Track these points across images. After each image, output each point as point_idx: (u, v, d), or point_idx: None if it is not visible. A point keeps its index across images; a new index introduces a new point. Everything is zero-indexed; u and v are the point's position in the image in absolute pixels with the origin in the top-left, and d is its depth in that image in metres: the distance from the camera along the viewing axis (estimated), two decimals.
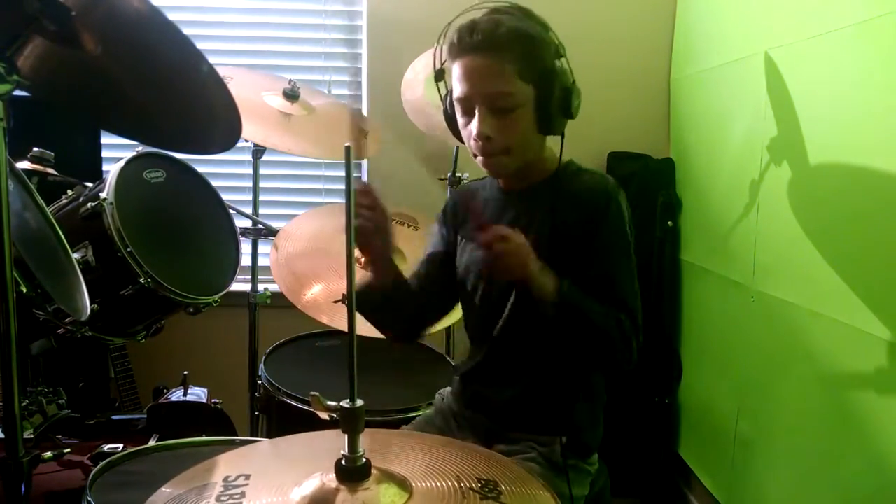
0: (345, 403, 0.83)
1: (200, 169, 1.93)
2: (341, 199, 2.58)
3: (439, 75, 1.33)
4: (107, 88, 1.21)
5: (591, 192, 1.28)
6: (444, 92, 1.34)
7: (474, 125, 1.24)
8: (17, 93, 1.03)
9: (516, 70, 1.22)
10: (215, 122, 1.29)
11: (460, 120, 1.29)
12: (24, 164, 1.82)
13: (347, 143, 0.82)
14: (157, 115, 1.26)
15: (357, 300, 0.86)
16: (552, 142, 1.33)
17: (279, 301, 1.98)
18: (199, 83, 1.20)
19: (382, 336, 1.49)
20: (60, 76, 1.20)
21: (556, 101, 1.24)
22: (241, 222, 2.03)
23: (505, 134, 1.24)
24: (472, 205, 1.32)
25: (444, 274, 1.45)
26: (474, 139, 1.26)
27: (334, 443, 0.85)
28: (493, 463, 0.93)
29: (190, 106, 1.26)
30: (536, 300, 1.18)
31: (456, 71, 1.25)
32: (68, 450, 1.27)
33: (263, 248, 2.17)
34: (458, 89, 1.26)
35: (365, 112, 2.53)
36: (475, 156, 1.29)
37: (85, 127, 2.34)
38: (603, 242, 1.26)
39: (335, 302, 1.80)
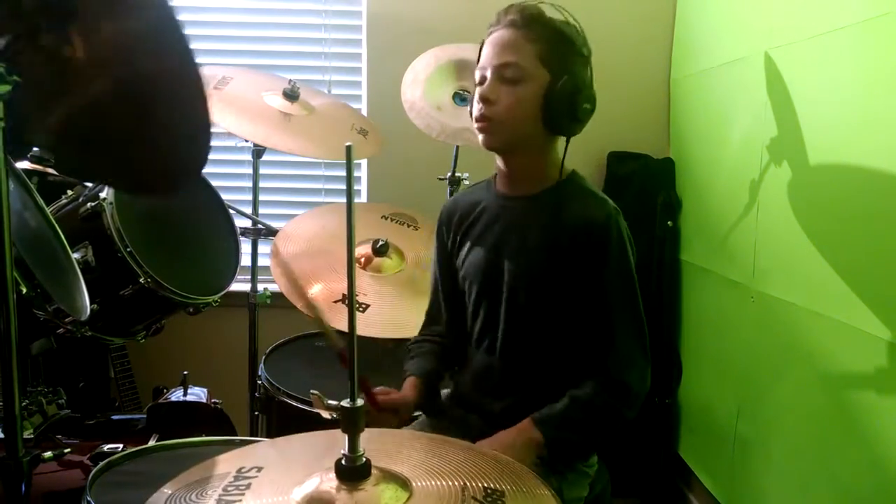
0: (345, 403, 0.83)
1: None
2: (341, 199, 2.58)
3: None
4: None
5: (591, 224, 1.29)
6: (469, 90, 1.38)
7: (481, 89, 1.29)
8: None
9: (536, 50, 1.26)
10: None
11: (476, 91, 1.32)
12: (24, 164, 1.82)
13: (348, 143, 0.82)
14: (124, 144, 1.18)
15: None
16: (560, 151, 1.34)
17: (279, 301, 1.98)
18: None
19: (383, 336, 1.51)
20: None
21: (565, 96, 1.26)
22: (241, 222, 2.03)
23: (505, 102, 1.27)
24: None
25: (460, 300, 1.47)
26: (476, 101, 1.29)
27: (335, 442, 0.85)
28: (501, 468, 0.91)
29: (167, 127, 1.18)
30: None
31: (485, 47, 1.31)
32: (68, 450, 1.27)
33: (263, 248, 2.17)
34: (479, 61, 1.31)
35: (365, 112, 2.53)
36: (474, 122, 1.31)
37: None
38: (605, 284, 1.28)
39: (335, 302, 1.80)
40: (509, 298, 1.33)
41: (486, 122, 1.29)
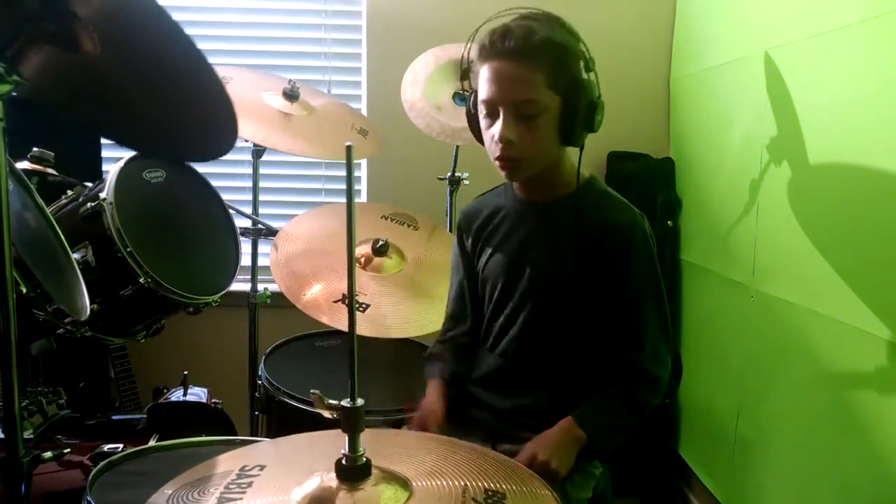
0: (345, 403, 0.83)
1: (200, 169, 1.93)
2: (341, 199, 2.58)
3: (465, 74, 1.35)
4: (107, 95, 1.20)
5: (617, 226, 1.30)
6: (468, 90, 1.36)
7: (497, 128, 1.25)
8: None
9: (545, 79, 1.22)
10: (214, 127, 1.27)
11: (483, 122, 1.29)
12: (24, 164, 1.82)
13: (349, 143, 0.82)
14: (157, 122, 1.25)
15: None
16: (573, 154, 1.35)
17: (279, 301, 1.98)
18: (199, 86, 1.19)
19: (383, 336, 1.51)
20: (61, 84, 1.20)
21: (580, 114, 1.25)
22: (241, 222, 2.03)
23: (527, 139, 1.25)
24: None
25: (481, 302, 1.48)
26: (496, 142, 1.26)
27: (336, 442, 0.85)
28: (504, 469, 0.91)
29: (190, 111, 1.25)
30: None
31: (484, 73, 1.26)
32: (68, 450, 1.26)
33: (263, 248, 2.17)
34: (484, 91, 1.26)
35: (365, 112, 2.53)
36: (494, 158, 1.29)
37: (85, 127, 2.34)
38: (633, 289, 1.31)
39: (335, 302, 1.80)
40: (531, 302, 1.34)
41: (511, 161, 1.27)
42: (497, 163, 1.29)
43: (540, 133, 1.25)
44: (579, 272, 1.30)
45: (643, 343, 1.31)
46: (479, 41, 1.26)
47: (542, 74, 1.22)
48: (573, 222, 1.31)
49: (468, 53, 1.32)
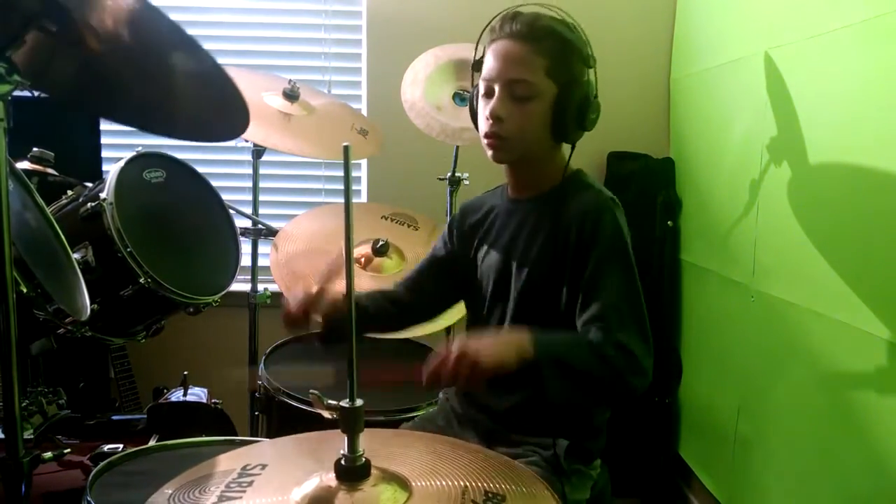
0: (344, 403, 0.83)
1: (200, 169, 1.93)
2: (341, 199, 2.58)
3: (477, 66, 1.36)
4: (107, 79, 1.20)
5: (583, 214, 1.27)
6: (475, 84, 1.36)
7: (490, 105, 1.27)
8: (16, 92, 1.03)
9: (544, 65, 1.25)
10: (221, 109, 1.27)
11: (480, 101, 1.32)
12: (24, 164, 1.82)
13: (346, 143, 0.83)
14: (160, 104, 1.25)
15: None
16: (564, 152, 1.34)
17: (279, 301, 1.97)
18: (199, 71, 1.19)
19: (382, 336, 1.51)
20: (58, 69, 1.20)
21: (573, 107, 1.27)
22: (241, 222, 2.03)
23: (516, 120, 1.27)
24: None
25: (436, 282, 1.49)
26: (486, 117, 1.28)
27: (336, 442, 0.85)
28: (503, 470, 0.92)
29: (193, 94, 1.24)
30: (522, 372, 1.12)
31: (489, 54, 1.29)
32: (68, 450, 1.27)
33: (263, 248, 2.17)
34: (485, 70, 1.30)
35: (365, 112, 2.53)
36: (483, 136, 1.31)
37: (85, 127, 2.34)
38: (594, 272, 1.25)
39: None
40: (518, 299, 1.34)
41: (497, 139, 1.28)
42: (484, 140, 1.31)
43: (531, 118, 1.27)
44: (558, 266, 1.29)
45: (610, 327, 1.21)
46: (490, 26, 1.30)
47: (542, 59, 1.25)
48: (552, 217, 1.31)
49: (481, 45, 1.33)
